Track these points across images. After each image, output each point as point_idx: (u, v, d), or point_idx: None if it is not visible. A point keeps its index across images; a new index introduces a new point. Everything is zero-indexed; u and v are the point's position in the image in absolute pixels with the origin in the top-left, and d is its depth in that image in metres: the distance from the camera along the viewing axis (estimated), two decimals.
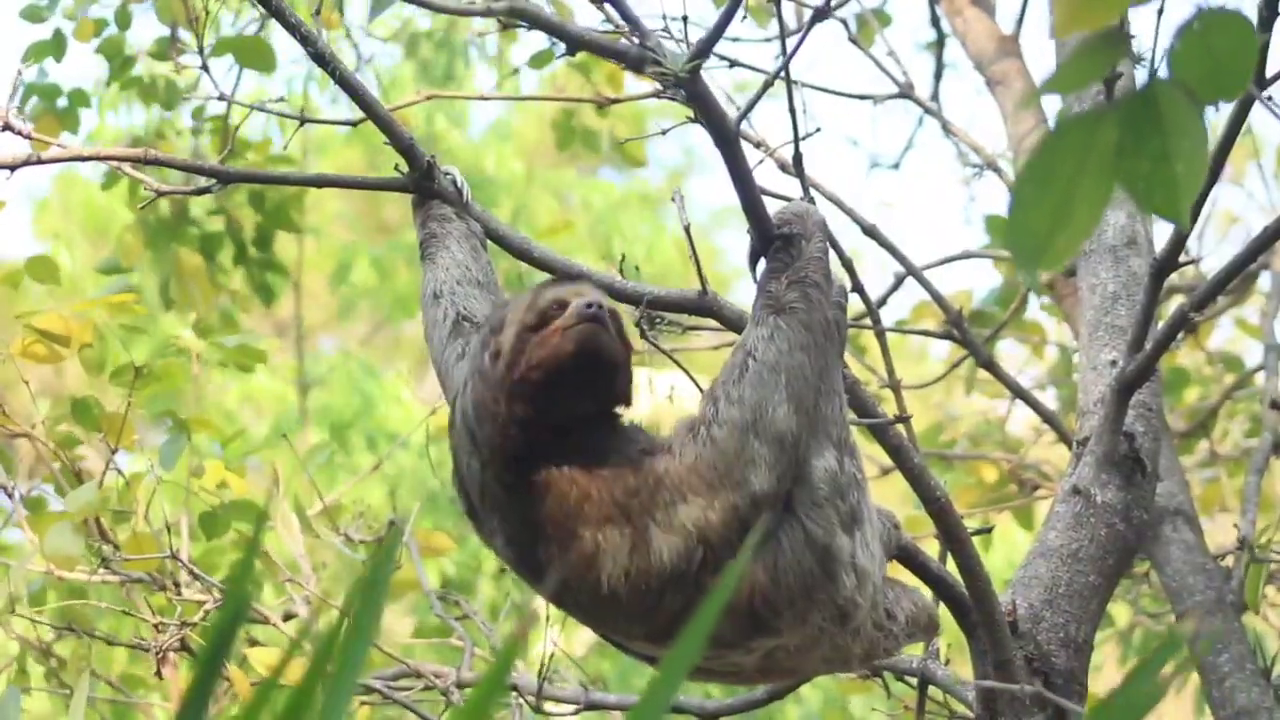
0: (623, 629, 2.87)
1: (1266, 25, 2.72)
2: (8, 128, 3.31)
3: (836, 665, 3.02)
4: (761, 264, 2.97)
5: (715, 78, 4.81)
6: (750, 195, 2.97)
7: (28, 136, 3.32)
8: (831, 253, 3.04)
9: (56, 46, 5.75)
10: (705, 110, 2.93)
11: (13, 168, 3.24)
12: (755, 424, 2.75)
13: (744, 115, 3.03)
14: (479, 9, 3.03)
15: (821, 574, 2.81)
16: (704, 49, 2.90)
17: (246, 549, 1.62)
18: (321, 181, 3.54)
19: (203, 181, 3.32)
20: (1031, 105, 4.99)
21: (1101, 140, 1.77)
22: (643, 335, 3.26)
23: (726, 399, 2.79)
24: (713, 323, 3.27)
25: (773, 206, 3.04)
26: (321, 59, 3.09)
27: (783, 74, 3.09)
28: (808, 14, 4.93)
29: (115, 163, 3.37)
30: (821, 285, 2.89)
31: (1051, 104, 5.04)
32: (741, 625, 2.80)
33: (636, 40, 2.93)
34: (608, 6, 3.01)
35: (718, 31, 2.92)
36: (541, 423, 2.76)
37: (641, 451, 2.80)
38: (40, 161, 3.26)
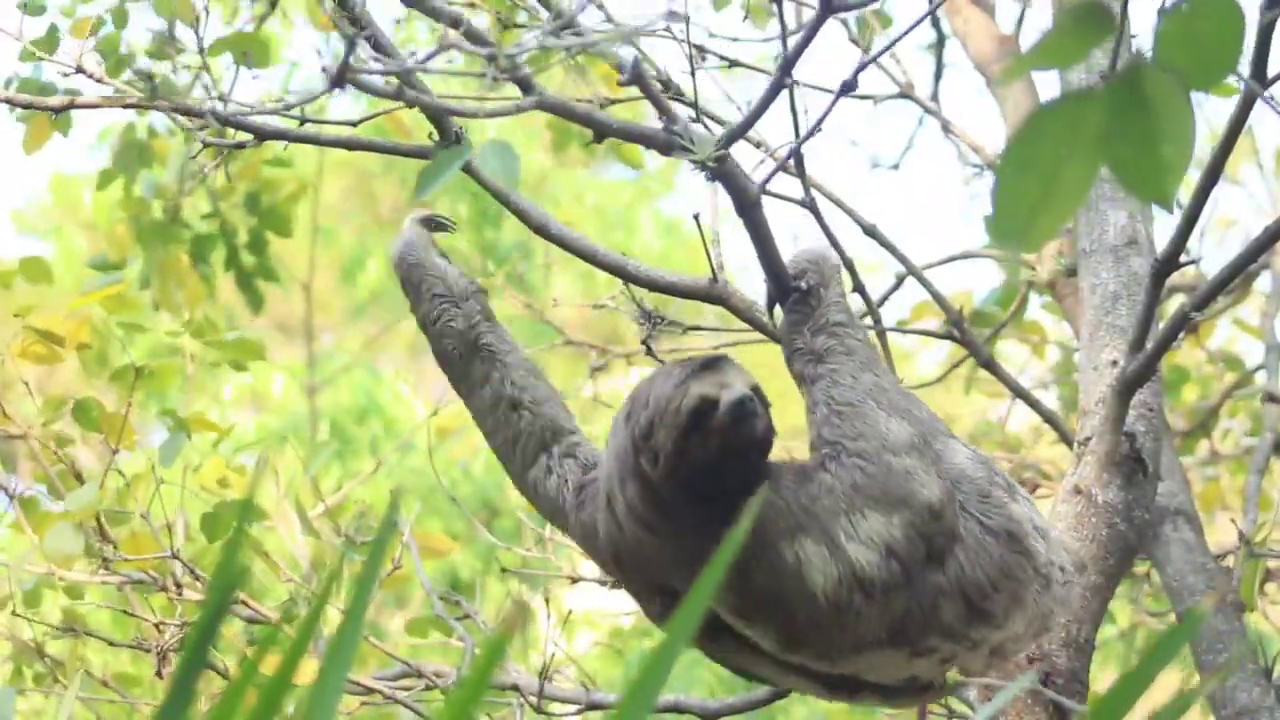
0: (818, 650, 2.84)
1: (1269, 6, 2.68)
2: (80, 70, 3.70)
3: (1038, 630, 3.01)
4: (779, 311, 3.04)
5: (715, 78, 4.80)
6: (770, 254, 3.00)
7: (100, 80, 3.65)
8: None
9: (49, 43, 5.72)
10: (730, 185, 2.93)
11: (58, 109, 3.69)
12: (885, 447, 2.81)
13: (764, 185, 2.99)
14: (508, 108, 2.97)
15: (1014, 555, 2.87)
16: (734, 136, 2.88)
17: (231, 539, 1.62)
18: (354, 144, 3.47)
19: (243, 137, 3.41)
20: (1016, 77, 4.97)
21: (1088, 122, 1.77)
22: (642, 341, 3.27)
23: (844, 441, 2.83)
24: (713, 322, 3.28)
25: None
26: (354, 21, 2.99)
27: (783, 75, 3.08)
28: (807, 13, 4.92)
29: (164, 110, 3.40)
30: (845, 323, 2.98)
31: (1045, 91, 5.04)
32: (961, 613, 2.83)
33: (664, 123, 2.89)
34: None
35: (750, 121, 2.90)
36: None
37: (792, 471, 2.84)
38: (76, 105, 3.66)
